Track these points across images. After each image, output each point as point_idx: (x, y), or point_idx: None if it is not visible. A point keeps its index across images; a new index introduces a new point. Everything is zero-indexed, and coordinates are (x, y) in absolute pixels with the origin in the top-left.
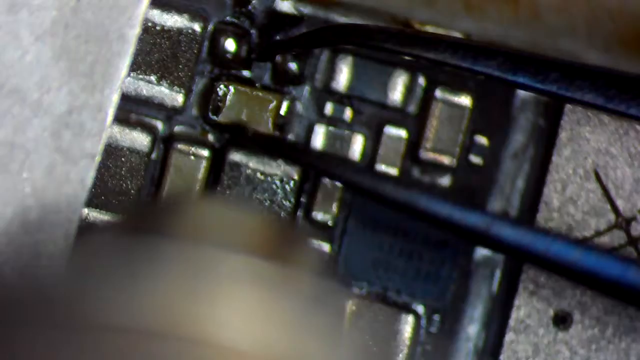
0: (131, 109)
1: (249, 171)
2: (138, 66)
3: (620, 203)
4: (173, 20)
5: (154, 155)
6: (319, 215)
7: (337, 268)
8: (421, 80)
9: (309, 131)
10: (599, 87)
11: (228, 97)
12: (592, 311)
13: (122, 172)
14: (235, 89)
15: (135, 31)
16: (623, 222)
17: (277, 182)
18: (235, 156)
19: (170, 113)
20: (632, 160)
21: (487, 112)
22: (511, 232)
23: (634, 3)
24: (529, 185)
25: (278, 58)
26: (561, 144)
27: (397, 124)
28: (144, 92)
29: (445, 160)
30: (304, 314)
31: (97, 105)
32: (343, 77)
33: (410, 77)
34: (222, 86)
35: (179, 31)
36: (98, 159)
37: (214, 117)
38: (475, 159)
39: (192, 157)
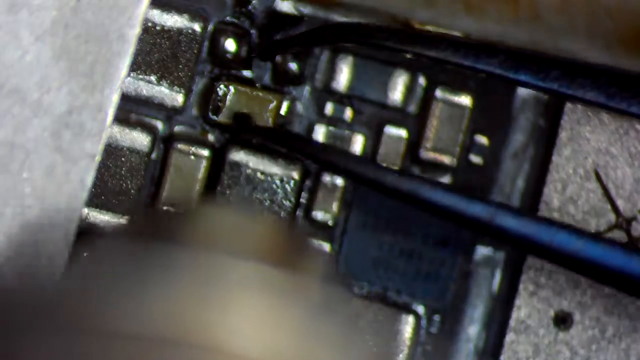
0: (131, 109)
1: (249, 171)
2: (138, 66)
3: (620, 203)
4: (173, 20)
5: (154, 155)
6: (319, 215)
7: (337, 268)
8: (421, 80)
9: (309, 131)
10: (600, 85)
11: (228, 97)
12: (593, 311)
13: (122, 172)
14: (235, 89)
15: (135, 31)
16: (623, 222)
17: (277, 182)
18: (235, 156)
19: (170, 113)
20: (632, 160)
21: (487, 112)
22: (515, 222)
23: (634, 3)
24: (529, 185)
25: (278, 58)
26: (561, 144)
27: (397, 123)
28: (144, 92)
29: (446, 160)
30: (313, 321)
31: (97, 105)
32: (343, 77)
33: (411, 77)
34: (222, 86)
35: (179, 31)
36: (98, 159)
37: (214, 117)
38: (475, 159)
39: (192, 157)
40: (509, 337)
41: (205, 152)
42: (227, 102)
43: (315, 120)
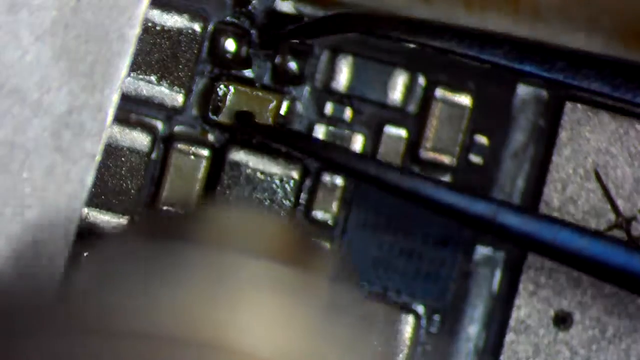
0: (131, 109)
1: (249, 171)
2: (138, 66)
3: (620, 203)
4: (173, 20)
5: (154, 155)
6: (319, 215)
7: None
8: (421, 80)
9: (309, 131)
10: (605, 75)
11: (228, 97)
12: (593, 311)
13: (122, 172)
14: (235, 89)
15: (135, 31)
16: (623, 222)
17: (277, 182)
18: (235, 156)
19: (170, 113)
20: (632, 160)
21: (487, 112)
22: (517, 220)
23: (634, 2)
24: (529, 185)
25: (278, 59)
26: (561, 144)
27: (397, 123)
28: (144, 92)
29: (445, 159)
30: (324, 320)
31: (97, 105)
32: (343, 77)
33: (410, 77)
34: (222, 86)
35: (179, 31)
36: (98, 159)
37: (214, 117)
38: (475, 159)
39: (192, 157)
40: (509, 337)
41: (205, 152)
42: (227, 102)
43: (315, 120)
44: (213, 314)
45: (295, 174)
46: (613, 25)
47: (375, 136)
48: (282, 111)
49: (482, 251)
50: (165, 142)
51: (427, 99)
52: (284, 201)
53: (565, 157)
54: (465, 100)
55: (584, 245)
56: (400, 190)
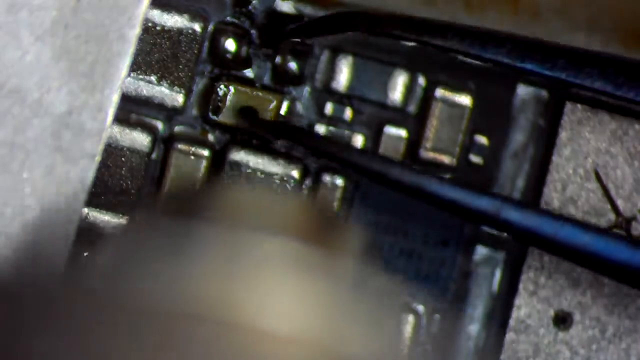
0: (131, 109)
1: (249, 171)
2: (138, 66)
3: (620, 203)
4: (173, 21)
5: (154, 155)
6: None
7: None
8: (421, 80)
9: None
10: (608, 74)
11: (228, 97)
12: (593, 311)
13: (122, 172)
14: (235, 89)
15: (135, 31)
16: (623, 222)
17: (277, 182)
18: (235, 156)
19: (171, 113)
20: (632, 160)
21: (487, 112)
22: (520, 216)
23: (634, 3)
24: (529, 185)
25: (278, 59)
26: (561, 144)
27: (397, 123)
28: (144, 92)
29: (445, 159)
30: (345, 299)
31: (97, 105)
32: (343, 77)
33: (410, 77)
34: (222, 86)
35: (179, 31)
36: (98, 159)
37: (214, 117)
38: (475, 159)
39: (192, 157)
40: (509, 336)
41: (205, 152)
42: (227, 102)
43: (315, 120)
44: (229, 291)
45: (295, 174)
46: (613, 25)
47: (375, 136)
48: (282, 111)
49: (482, 251)
50: (166, 142)
51: (427, 99)
52: None
53: (565, 157)
54: (465, 100)
55: (587, 241)
56: (403, 186)
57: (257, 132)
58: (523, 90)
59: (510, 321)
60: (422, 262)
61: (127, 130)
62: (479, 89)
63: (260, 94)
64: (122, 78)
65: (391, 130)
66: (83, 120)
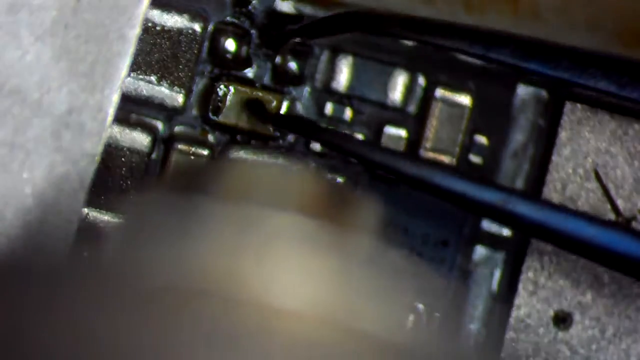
0: (131, 109)
1: None
2: (138, 66)
3: (620, 203)
4: (173, 21)
5: (154, 155)
6: None
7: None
8: (421, 80)
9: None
10: (612, 74)
11: (228, 97)
12: (593, 311)
13: (122, 172)
14: (235, 89)
15: (135, 31)
16: (623, 222)
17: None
18: (236, 156)
19: (171, 113)
20: (632, 159)
21: (487, 112)
22: (527, 208)
23: (634, 3)
24: (528, 185)
25: (278, 59)
26: (561, 144)
27: (397, 123)
28: (144, 92)
29: (445, 159)
30: (356, 274)
31: (97, 105)
32: (343, 77)
33: (410, 77)
34: (222, 86)
35: (179, 31)
36: (98, 159)
37: (214, 117)
38: (475, 159)
39: (192, 157)
40: (509, 335)
41: (205, 152)
42: (227, 102)
43: (315, 120)
44: (237, 267)
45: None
46: (613, 25)
47: (375, 136)
48: (282, 111)
49: (482, 251)
50: (166, 142)
51: (427, 99)
52: None
53: (565, 157)
54: (465, 100)
55: (594, 233)
56: (411, 179)
57: (264, 124)
58: (523, 90)
59: (510, 320)
60: (422, 261)
61: (127, 130)
62: (479, 89)
63: (260, 94)
64: (122, 78)
65: (391, 130)
66: (83, 120)
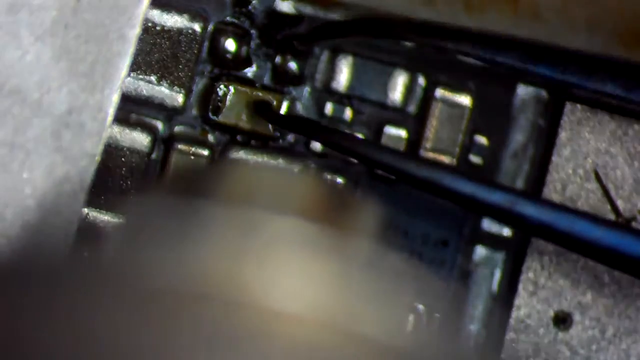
0: (131, 109)
1: None
2: (138, 66)
3: (620, 203)
4: (173, 21)
5: (154, 155)
6: None
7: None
8: (421, 81)
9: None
10: (619, 78)
11: (228, 97)
12: (593, 312)
13: (122, 172)
14: (235, 89)
15: (135, 31)
16: (623, 222)
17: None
18: (235, 156)
19: (170, 113)
20: (631, 160)
21: (487, 112)
22: (535, 210)
23: (634, 3)
24: (528, 185)
25: (278, 59)
26: (561, 144)
27: (397, 123)
28: (144, 92)
29: (445, 160)
30: (356, 278)
31: (97, 105)
32: (343, 77)
33: (410, 77)
34: (222, 86)
35: (179, 31)
36: (98, 159)
37: (214, 117)
38: (475, 159)
39: (192, 157)
40: (509, 336)
41: (205, 152)
42: (227, 102)
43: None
44: (238, 271)
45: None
46: (613, 25)
47: (375, 136)
48: (282, 111)
49: (482, 251)
50: (166, 142)
51: (427, 99)
52: None
53: (565, 157)
54: (465, 100)
55: (600, 235)
56: (419, 180)
57: (271, 125)
58: (523, 91)
59: (510, 321)
60: (422, 262)
61: (127, 130)
62: (479, 89)
63: (260, 94)
64: (122, 78)
65: (391, 130)
66: (83, 120)
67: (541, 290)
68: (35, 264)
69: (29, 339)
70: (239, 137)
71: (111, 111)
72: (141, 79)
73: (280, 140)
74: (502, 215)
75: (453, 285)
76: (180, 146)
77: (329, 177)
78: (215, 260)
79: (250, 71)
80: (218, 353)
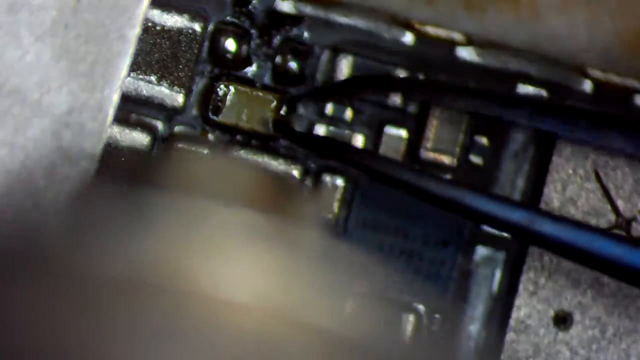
0: (131, 109)
1: None
2: (138, 66)
3: (620, 203)
4: (173, 20)
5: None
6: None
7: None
8: None
9: (310, 131)
10: (629, 134)
11: (228, 97)
12: (593, 312)
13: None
14: (235, 89)
15: (135, 31)
16: (623, 222)
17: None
18: (236, 156)
19: (170, 113)
20: (632, 160)
21: None
22: (554, 228)
23: (634, 3)
24: (529, 185)
25: (278, 59)
26: (561, 144)
27: (398, 123)
28: (144, 92)
29: (446, 160)
30: (307, 268)
31: (97, 105)
32: (343, 77)
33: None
34: (222, 86)
35: (179, 31)
36: (98, 159)
37: (214, 117)
38: (475, 159)
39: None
40: (509, 336)
41: (205, 152)
42: (227, 102)
43: (315, 120)
44: (186, 261)
45: (295, 174)
46: (614, 25)
47: (375, 136)
48: (283, 111)
49: (482, 251)
50: (166, 142)
51: None
52: None
53: (565, 157)
54: None
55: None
56: (440, 200)
57: (292, 144)
58: (523, 90)
59: (510, 321)
60: (422, 262)
61: (127, 130)
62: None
63: (260, 94)
64: (122, 78)
65: (391, 130)
66: (83, 120)
67: (541, 290)
68: (35, 265)
69: None
70: (239, 137)
71: (111, 111)
72: (141, 79)
73: (281, 140)
74: (521, 233)
75: (453, 286)
76: (180, 146)
77: (328, 178)
78: (163, 250)
79: (250, 71)
80: (165, 343)
